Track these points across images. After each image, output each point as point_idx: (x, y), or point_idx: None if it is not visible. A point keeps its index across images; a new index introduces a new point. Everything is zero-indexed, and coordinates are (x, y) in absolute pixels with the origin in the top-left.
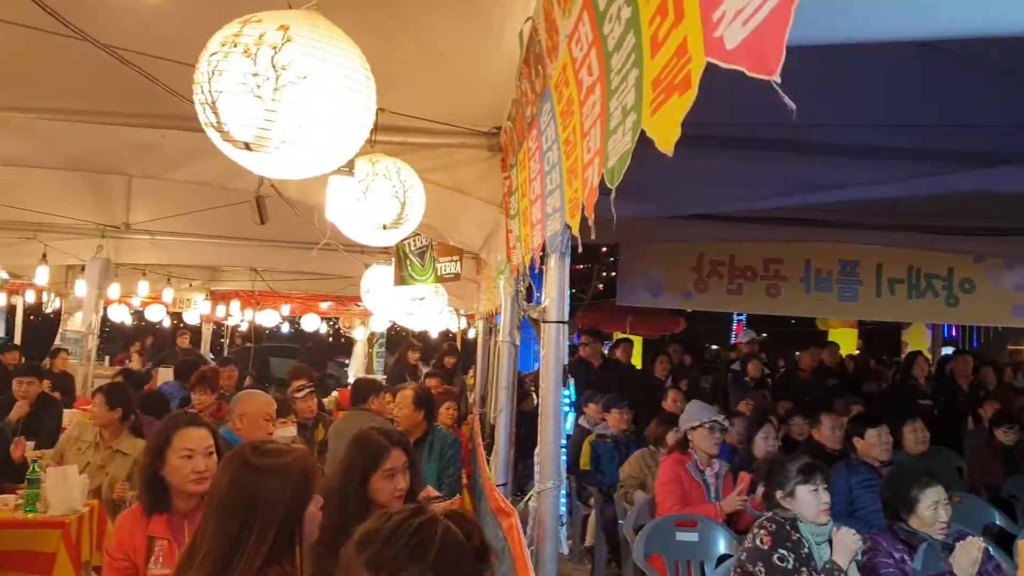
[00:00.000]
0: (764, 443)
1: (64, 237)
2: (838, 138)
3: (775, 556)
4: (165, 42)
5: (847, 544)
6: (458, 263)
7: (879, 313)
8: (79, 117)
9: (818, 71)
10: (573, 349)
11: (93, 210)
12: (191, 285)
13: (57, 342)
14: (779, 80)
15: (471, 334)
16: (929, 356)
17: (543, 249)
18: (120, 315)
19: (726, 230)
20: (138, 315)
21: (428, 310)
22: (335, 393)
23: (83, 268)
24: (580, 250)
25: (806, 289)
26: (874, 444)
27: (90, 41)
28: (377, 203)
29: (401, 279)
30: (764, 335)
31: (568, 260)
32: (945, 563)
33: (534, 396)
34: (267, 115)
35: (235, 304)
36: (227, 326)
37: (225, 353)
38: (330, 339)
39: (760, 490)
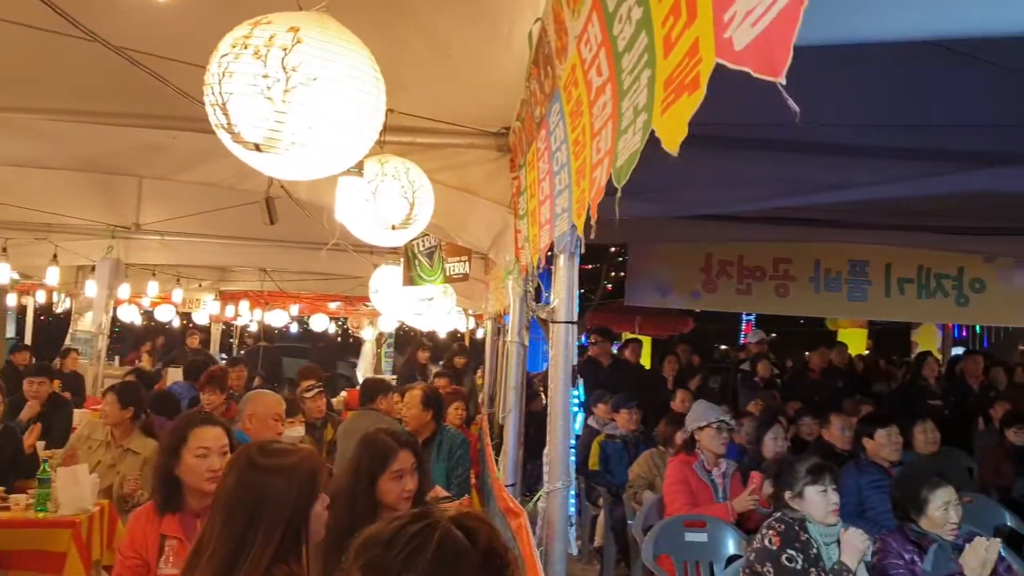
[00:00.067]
0: (773, 443)
1: (74, 238)
2: (846, 138)
3: (784, 556)
4: (175, 43)
5: (855, 544)
6: (467, 263)
7: (889, 313)
8: (90, 118)
9: (826, 71)
10: (582, 349)
11: (103, 211)
12: (200, 285)
13: (67, 342)
14: (784, 82)
15: (479, 334)
16: (939, 356)
17: (551, 249)
18: (130, 315)
19: (735, 230)
20: (148, 315)
21: (437, 310)
22: (344, 393)
23: (93, 268)
24: (583, 250)
25: (815, 289)
26: (884, 444)
27: (101, 42)
28: (386, 203)
29: (410, 279)
30: (773, 335)
31: (577, 260)
32: (955, 564)
33: (543, 396)
34: (277, 116)
35: (244, 304)
36: (236, 326)
37: (235, 353)
38: (339, 339)
39: (769, 489)
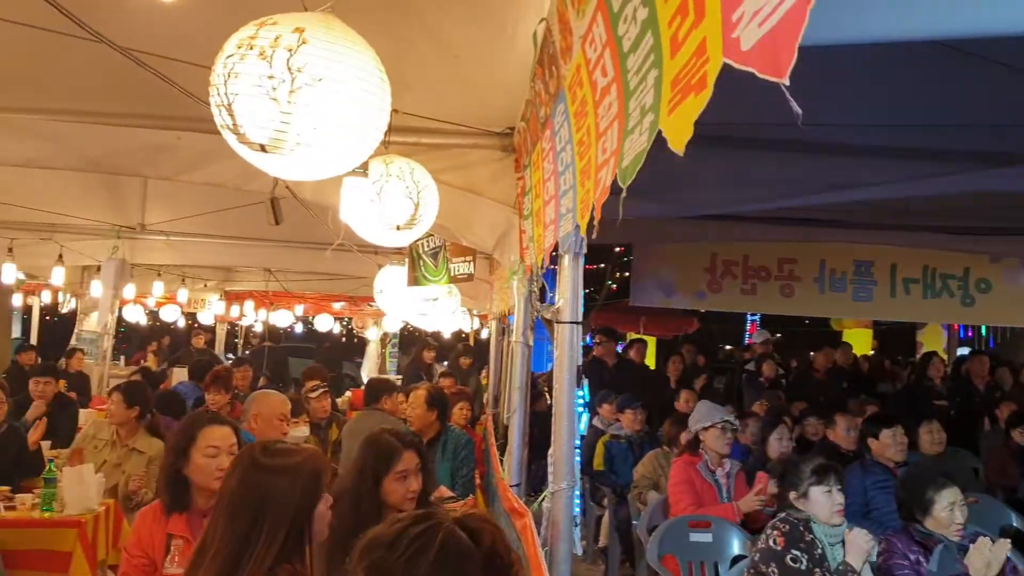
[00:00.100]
0: (778, 444)
1: (80, 238)
2: (851, 138)
3: (788, 557)
4: (181, 44)
5: (859, 545)
6: (471, 264)
7: (894, 313)
8: (95, 119)
9: (830, 71)
10: (587, 350)
11: (109, 211)
12: (206, 285)
13: (73, 342)
14: (788, 83)
15: (484, 334)
16: (945, 357)
17: (556, 249)
18: (135, 315)
19: (739, 230)
20: (153, 315)
21: (441, 311)
22: (348, 393)
23: (99, 268)
24: (587, 251)
25: (820, 289)
26: (889, 445)
27: (106, 43)
28: (391, 204)
29: (414, 279)
30: (778, 335)
31: (582, 261)
32: (961, 565)
33: (547, 397)
34: (283, 117)
35: (249, 304)
36: (241, 326)
37: (239, 353)
38: (343, 339)
39: (774, 489)
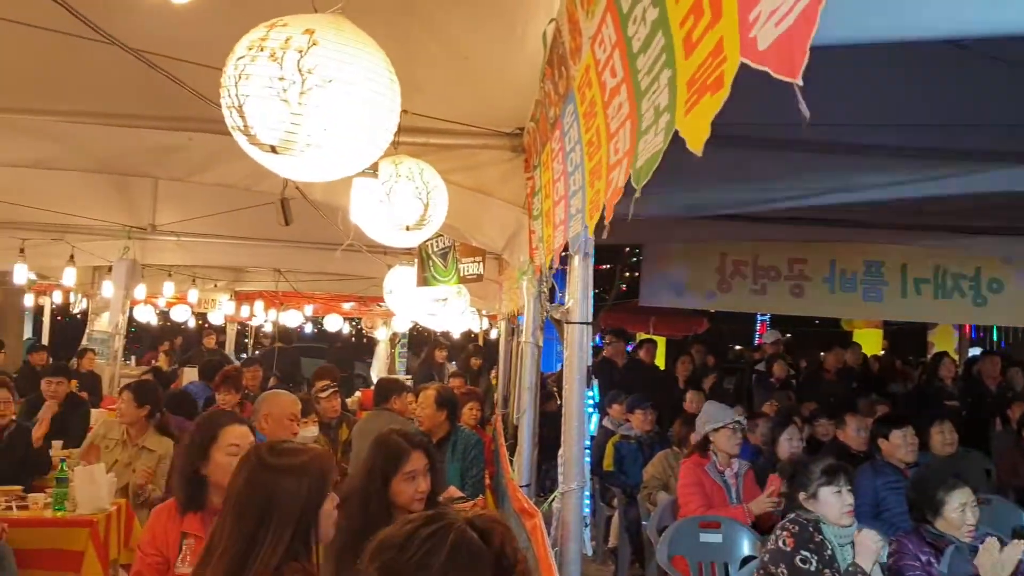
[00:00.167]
0: (788, 444)
1: (91, 238)
2: (861, 138)
3: (798, 558)
4: (192, 46)
5: (868, 545)
6: (481, 264)
7: (905, 313)
8: (106, 120)
9: (841, 71)
10: (596, 350)
11: (120, 212)
12: (216, 286)
13: (84, 342)
14: (801, 83)
15: (493, 335)
16: (956, 357)
17: (566, 249)
18: (146, 315)
19: (749, 230)
20: (164, 315)
21: (450, 311)
22: (358, 393)
23: (110, 269)
24: (595, 251)
25: (831, 289)
26: (899, 445)
27: (118, 45)
28: (400, 204)
29: (424, 280)
30: (788, 335)
31: (591, 261)
32: (972, 566)
33: (557, 397)
34: (293, 119)
35: (259, 304)
36: (251, 326)
37: (250, 353)
38: (354, 340)
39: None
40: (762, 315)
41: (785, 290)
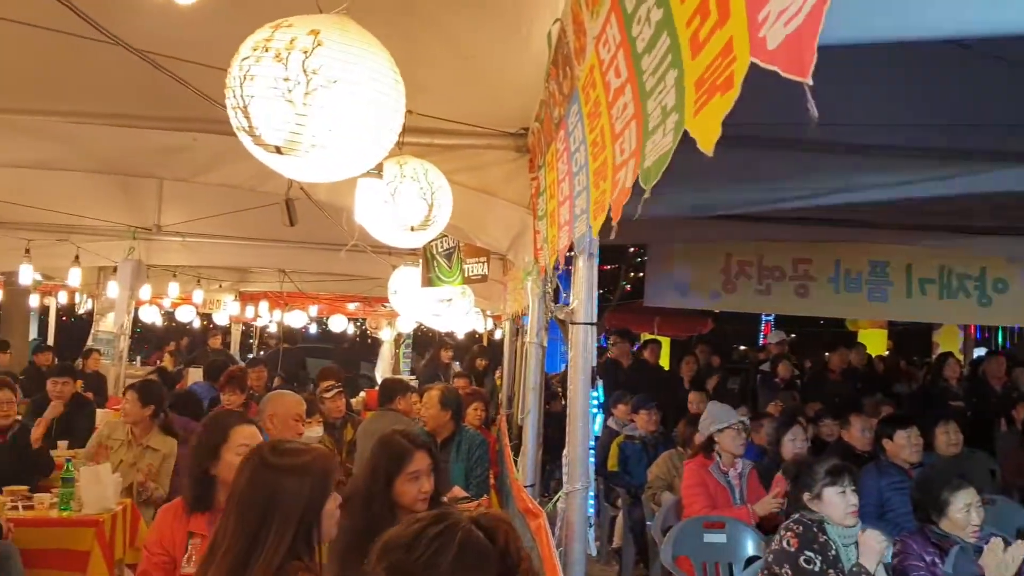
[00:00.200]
0: (792, 445)
1: (96, 239)
2: (867, 138)
3: (801, 558)
4: (197, 47)
5: (872, 546)
6: (485, 264)
7: (910, 314)
8: (111, 121)
9: (846, 70)
10: (600, 350)
11: (125, 212)
12: (221, 286)
13: (89, 343)
14: (811, 82)
15: (497, 335)
16: (961, 357)
17: (571, 250)
18: (151, 316)
19: (754, 230)
20: (169, 316)
21: (455, 311)
22: (363, 393)
23: (115, 269)
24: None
25: (835, 289)
26: (904, 446)
27: (122, 45)
28: (405, 205)
29: (428, 280)
30: (793, 335)
31: (596, 262)
32: (977, 566)
33: (561, 397)
34: (298, 119)
35: (264, 305)
36: (256, 327)
37: (254, 354)
38: (357, 340)
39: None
40: (767, 315)
41: (790, 290)
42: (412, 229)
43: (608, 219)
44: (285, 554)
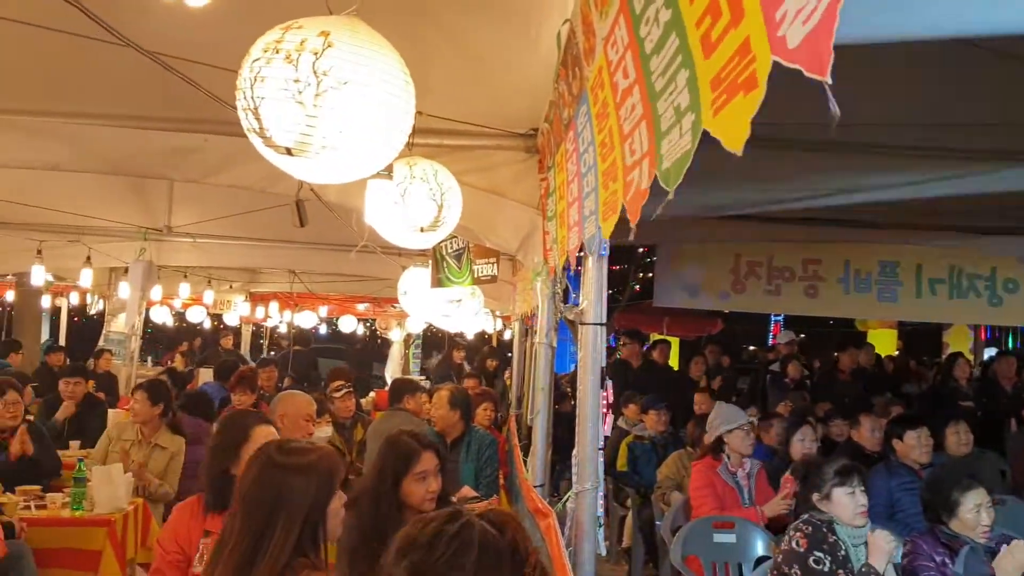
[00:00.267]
0: (801, 445)
1: (107, 240)
2: (876, 138)
3: (811, 559)
4: (207, 48)
5: (881, 546)
6: (495, 265)
7: (920, 314)
8: (122, 122)
9: (856, 70)
10: (610, 351)
11: (136, 213)
12: (231, 287)
13: (101, 343)
14: (831, 81)
15: (507, 335)
16: (971, 357)
17: (581, 250)
18: (162, 317)
19: (764, 230)
20: (179, 316)
21: (464, 312)
22: (373, 393)
23: (126, 270)
24: (609, 252)
25: (845, 290)
26: (913, 446)
27: (133, 47)
28: (415, 206)
29: (438, 281)
30: (802, 336)
31: (606, 262)
32: (988, 567)
33: (571, 398)
34: (308, 121)
35: (274, 306)
36: (266, 327)
37: (264, 354)
38: (368, 341)
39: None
40: (776, 316)
41: (799, 291)
42: (422, 230)
43: (625, 220)
44: (291, 552)
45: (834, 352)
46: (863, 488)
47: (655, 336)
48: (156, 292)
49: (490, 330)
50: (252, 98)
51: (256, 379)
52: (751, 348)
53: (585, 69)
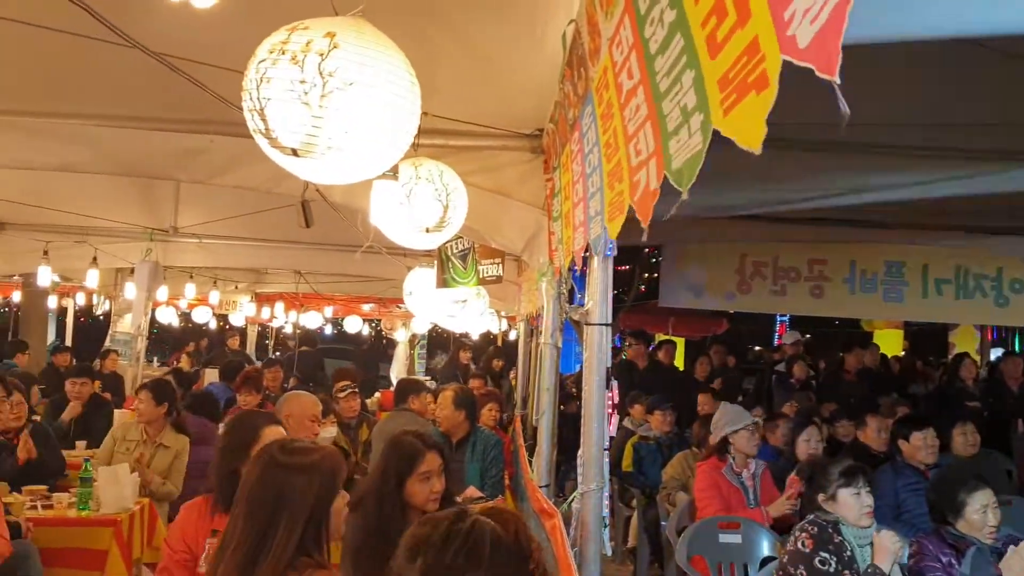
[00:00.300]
0: (806, 445)
1: (113, 240)
2: (882, 138)
3: (816, 559)
4: (214, 49)
5: (886, 546)
6: (500, 265)
7: (926, 314)
8: (129, 123)
9: (861, 70)
10: (615, 351)
11: (142, 214)
12: (237, 287)
13: (107, 344)
14: (839, 81)
15: (512, 336)
16: (977, 358)
17: (586, 251)
18: (168, 317)
19: (769, 230)
20: (185, 317)
21: (470, 312)
22: (378, 394)
23: (132, 271)
24: (615, 252)
25: (851, 290)
26: (920, 447)
27: (140, 48)
28: (420, 206)
29: (443, 282)
30: (808, 336)
31: (611, 263)
32: (995, 568)
33: (576, 398)
34: (314, 121)
35: (279, 306)
36: (272, 328)
37: (270, 355)
38: (372, 341)
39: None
40: (782, 316)
41: (805, 291)
42: (427, 230)
43: (630, 220)
44: (294, 551)
45: (840, 352)
46: (869, 489)
47: (660, 336)
48: (162, 292)
49: (495, 330)
50: (258, 99)
51: (261, 379)
52: (757, 348)
53: (590, 69)
